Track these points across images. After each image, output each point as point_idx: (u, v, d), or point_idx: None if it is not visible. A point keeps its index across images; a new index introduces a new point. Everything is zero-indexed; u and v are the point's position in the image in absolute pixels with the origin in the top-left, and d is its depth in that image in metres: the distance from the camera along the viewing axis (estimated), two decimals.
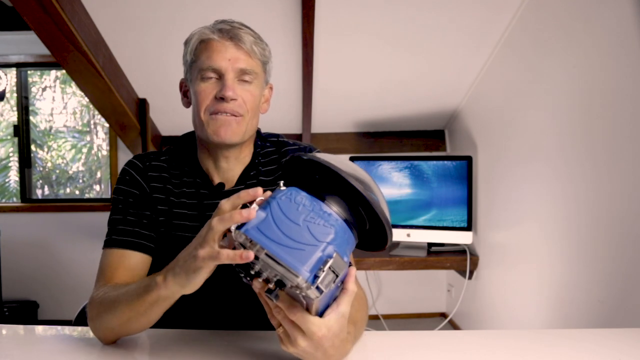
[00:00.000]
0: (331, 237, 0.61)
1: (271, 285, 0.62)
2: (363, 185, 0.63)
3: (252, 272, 0.64)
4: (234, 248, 0.65)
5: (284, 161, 0.72)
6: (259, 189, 0.64)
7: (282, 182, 0.66)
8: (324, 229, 0.62)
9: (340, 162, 0.67)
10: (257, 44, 0.95)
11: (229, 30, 0.92)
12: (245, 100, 0.93)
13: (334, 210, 0.64)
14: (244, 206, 0.65)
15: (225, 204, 0.66)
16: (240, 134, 0.94)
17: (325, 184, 0.66)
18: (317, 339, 0.64)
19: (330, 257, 0.60)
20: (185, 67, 0.98)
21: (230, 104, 0.92)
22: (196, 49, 0.94)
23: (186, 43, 0.97)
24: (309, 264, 0.59)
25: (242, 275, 0.66)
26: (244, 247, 0.62)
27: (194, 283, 0.68)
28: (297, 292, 0.61)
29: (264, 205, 0.63)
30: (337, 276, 0.61)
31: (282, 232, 0.61)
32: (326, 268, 0.59)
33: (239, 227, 0.62)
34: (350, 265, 0.66)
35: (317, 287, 0.59)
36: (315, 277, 0.59)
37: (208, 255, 0.64)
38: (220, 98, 0.91)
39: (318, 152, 1.07)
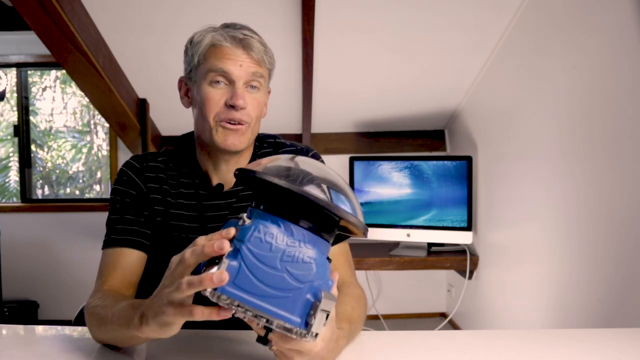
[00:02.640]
0: (313, 273, 0.57)
1: (259, 330, 0.58)
2: (313, 186, 0.59)
3: (236, 316, 0.58)
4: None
5: (236, 176, 0.68)
6: (225, 245, 0.57)
7: (245, 215, 0.59)
8: (304, 266, 0.56)
9: (283, 163, 0.62)
10: (266, 52, 0.95)
11: (241, 39, 0.92)
12: (252, 108, 0.94)
13: (304, 227, 0.58)
14: (212, 260, 0.57)
15: (189, 257, 0.59)
16: (245, 142, 0.95)
17: (283, 192, 0.59)
18: (314, 354, 0.63)
19: (318, 298, 0.56)
20: (189, 66, 0.97)
21: (240, 112, 0.92)
22: (206, 52, 0.93)
23: (192, 42, 0.96)
24: (298, 312, 0.55)
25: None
26: (220, 303, 0.56)
27: (168, 333, 0.63)
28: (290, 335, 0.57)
29: (233, 252, 0.56)
30: (328, 314, 0.57)
31: (261, 281, 0.55)
32: (318, 312, 0.56)
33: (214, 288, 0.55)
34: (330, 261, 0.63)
35: (311, 332, 0.56)
36: (307, 323, 0.56)
37: (179, 313, 0.59)
38: (231, 106, 0.91)
39: (315, 153, 1.07)
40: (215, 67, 0.91)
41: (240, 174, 0.64)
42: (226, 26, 0.95)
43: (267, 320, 0.56)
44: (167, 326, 0.62)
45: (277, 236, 0.57)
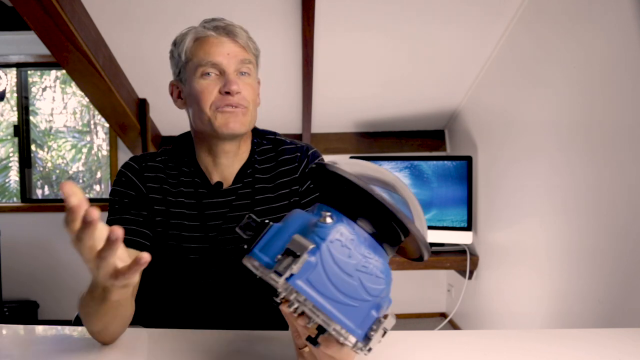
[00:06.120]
0: (382, 289, 0.56)
1: (309, 326, 0.57)
2: (393, 198, 0.59)
3: (278, 300, 0.57)
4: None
5: (310, 168, 0.69)
6: (118, 230, 0.56)
7: (328, 214, 0.57)
8: (376, 280, 0.56)
9: (368, 168, 0.62)
10: (250, 39, 0.97)
11: (224, 27, 0.94)
12: (247, 92, 0.95)
13: (374, 238, 0.58)
14: (290, 252, 0.55)
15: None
16: (246, 125, 0.96)
17: (353, 196, 0.59)
18: None
19: (380, 314, 0.56)
20: (177, 68, 0.99)
21: (236, 97, 0.93)
22: (192, 48, 0.95)
23: (176, 43, 0.98)
24: (361, 324, 0.55)
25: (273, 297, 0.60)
26: (285, 296, 0.55)
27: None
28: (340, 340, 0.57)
29: (311, 249, 0.54)
30: (385, 332, 0.56)
31: (333, 284, 0.54)
32: (380, 329, 0.55)
33: (287, 278, 0.54)
34: None
35: (368, 347, 0.55)
36: (367, 337, 0.55)
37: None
38: (226, 92, 0.92)
39: (314, 151, 1.07)
40: (204, 61, 0.93)
41: (317, 167, 0.63)
42: (206, 21, 0.97)
43: (322, 322, 0.55)
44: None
45: (356, 244, 0.56)
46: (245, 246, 0.60)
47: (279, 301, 0.57)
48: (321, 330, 0.56)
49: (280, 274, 0.53)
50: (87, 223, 0.55)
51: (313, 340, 0.57)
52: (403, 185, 0.64)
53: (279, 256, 0.54)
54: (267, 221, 0.61)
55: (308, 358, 0.64)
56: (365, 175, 0.60)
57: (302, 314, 0.57)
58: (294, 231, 0.57)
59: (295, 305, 0.55)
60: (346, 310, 0.54)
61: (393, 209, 0.56)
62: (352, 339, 0.54)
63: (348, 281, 0.54)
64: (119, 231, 0.55)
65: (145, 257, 0.55)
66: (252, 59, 0.97)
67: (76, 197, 0.55)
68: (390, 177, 0.63)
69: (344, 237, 0.56)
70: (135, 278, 0.58)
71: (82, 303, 0.77)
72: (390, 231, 0.61)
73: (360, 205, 0.59)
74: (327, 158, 1.11)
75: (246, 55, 0.95)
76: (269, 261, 0.56)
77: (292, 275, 0.53)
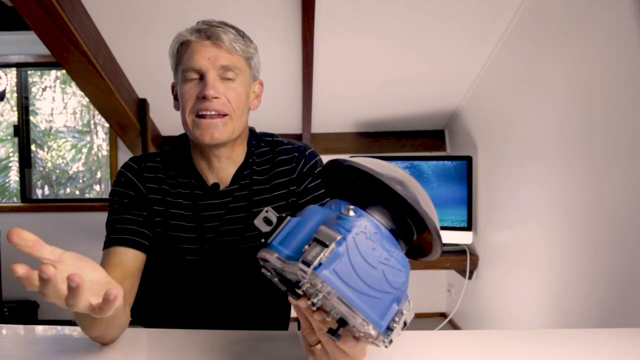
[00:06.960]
0: (402, 282, 0.57)
1: (329, 319, 0.57)
2: (408, 192, 0.59)
3: (300, 292, 0.56)
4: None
5: (324, 166, 0.69)
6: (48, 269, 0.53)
7: (351, 208, 0.58)
8: (398, 273, 0.56)
9: (379, 165, 0.62)
10: (237, 40, 0.93)
11: (206, 30, 0.92)
12: (230, 99, 0.93)
13: (393, 234, 0.59)
14: (321, 242, 0.54)
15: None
16: (227, 134, 0.94)
17: (368, 192, 0.61)
18: (359, 357, 0.64)
19: (401, 307, 0.57)
20: (173, 70, 0.99)
21: (213, 102, 0.91)
22: (177, 52, 0.95)
23: (170, 47, 0.98)
24: (383, 315, 0.55)
25: (285, 289, 0.60)
26: (308, 288, 0.55)
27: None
28: (359, 335, 0.57)
29: (338, 240, 0.54)
30: (405, 324, 0.57)
31: (359, 276, 0.54)
32: (401, 321, 0.56)
33: (315, 267, 0.53)
34: None
35: (390, 339, 0.56)
36: (389, 328, 0.55)
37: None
38: (203, 97, 0.91)
39: (312, 151, 1.07)
40: (186, 65, 0.92)
41: (330, 164, 0.63)
42: (198, 23, 0.95)
43: (340, 318, 0.55)
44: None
45: (379, 238, 0.57)
46: (263, 240, 0.60)
47: (300, 293, 0.56)
48: (341, 323, 0.56)
49: (308, 264, 0.52)
50: (44, 281, 0.53)
51: (334, 332, 0.57)
52: (415, 182, 0.64)
53: (306, 246, 0.54)
54: (284, 215, 0.61)
55: (320, 355, 0.64)
56: (379, 172, 0.60)
57: (319, 308, 0.58)
58: (316, 224, 0.58)
59: (319, 297, 0.55)
60: (370, 302, 0.54)
61: (413, 203, 0.56)
62: (374, 331, 0.55)
63: (372, 273, 0.55)
64: (76, 278, 0.52)
65: (114, 292, 0.54)
66: (240, 63, 0.94)
67: (22, 265, 0.53)
68: (401, 174, 0.63)
69: (368, 230, 0.56)
70: (111, 312, 0.56)
71: (77, 314, 0.76)
72: (405, 227, 0.61)
73: (378, 200, 0.60)
74: (327, 158, 1.11)
75: (230, 59, 0.92)
76: (289, 253, 0.56)
77: (319, 265, 0.52)
